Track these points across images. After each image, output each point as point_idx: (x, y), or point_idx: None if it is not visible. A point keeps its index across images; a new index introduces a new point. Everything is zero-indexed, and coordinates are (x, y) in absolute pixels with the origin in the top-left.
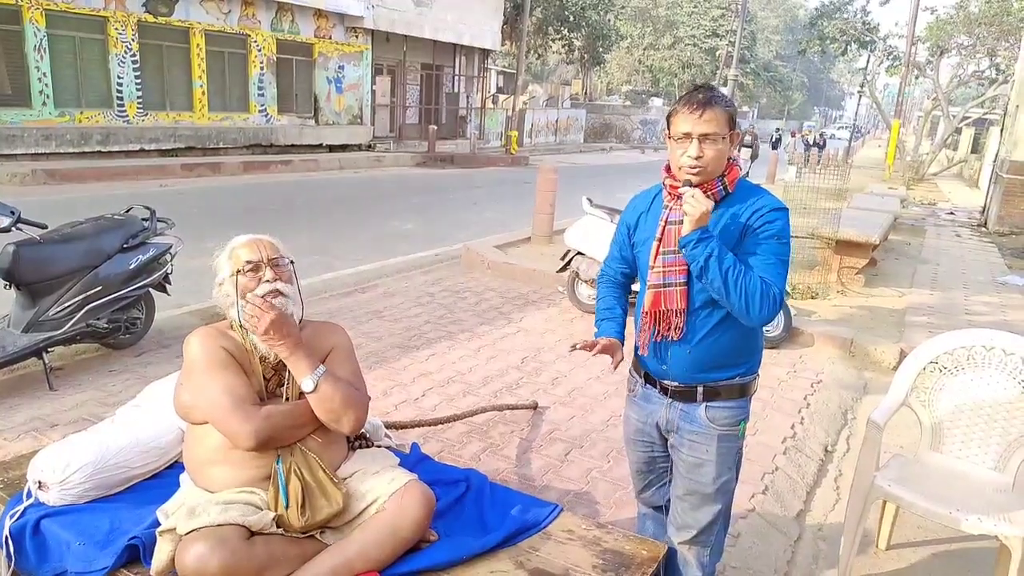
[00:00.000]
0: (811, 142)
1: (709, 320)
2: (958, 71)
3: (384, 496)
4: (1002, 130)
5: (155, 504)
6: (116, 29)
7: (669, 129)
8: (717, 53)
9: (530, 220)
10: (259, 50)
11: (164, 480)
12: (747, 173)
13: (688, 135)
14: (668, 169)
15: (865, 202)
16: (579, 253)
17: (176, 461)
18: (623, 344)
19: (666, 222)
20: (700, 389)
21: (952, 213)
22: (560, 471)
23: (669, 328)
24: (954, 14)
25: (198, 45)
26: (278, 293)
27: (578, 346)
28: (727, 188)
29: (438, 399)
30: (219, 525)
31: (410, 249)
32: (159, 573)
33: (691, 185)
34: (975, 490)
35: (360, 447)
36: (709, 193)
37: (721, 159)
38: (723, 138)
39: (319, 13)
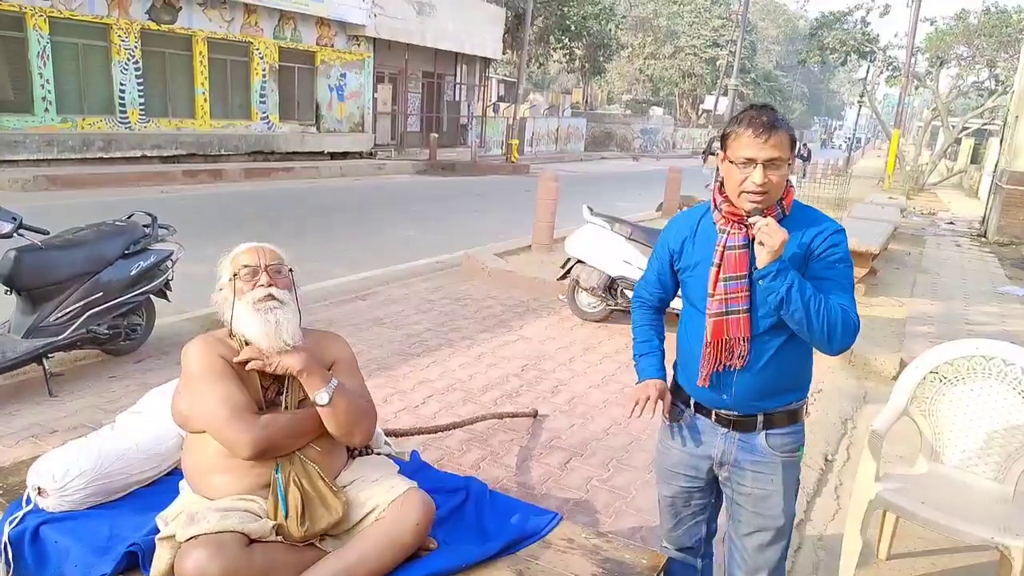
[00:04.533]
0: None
1: (771, 345)
2: (957, 82)
3: (384, 504)
4: (1001, 141)
5: (154, 511)
6: (119, 36)
7: (725, 151)
8: (718, 63)
9: (531, 228)
10: (261, 58)
11: (164, 487)
12: None
13: (752, 160)
14: (722, 191)
15: (865, 212)
16: (579, 261)
17: (176, 468)
18: (665, 378)
19: (724, 247)
20: (760, 417)
21: (952, 223)
22: (560, 480)
23: (732, 357)
24: (953, 25)
25: (201, 52)
26: (271, 297)
27: (635, 414)
28: (784, 211)
29: (438, 406)
30: (218, 532)
31: (411, 256)
32: None
33: (755, 214)
34: (976, 500)
35: (360, 455)
36: (769, 216)
37: (782, 184)
38: (787, 163)
39: (321, 21)
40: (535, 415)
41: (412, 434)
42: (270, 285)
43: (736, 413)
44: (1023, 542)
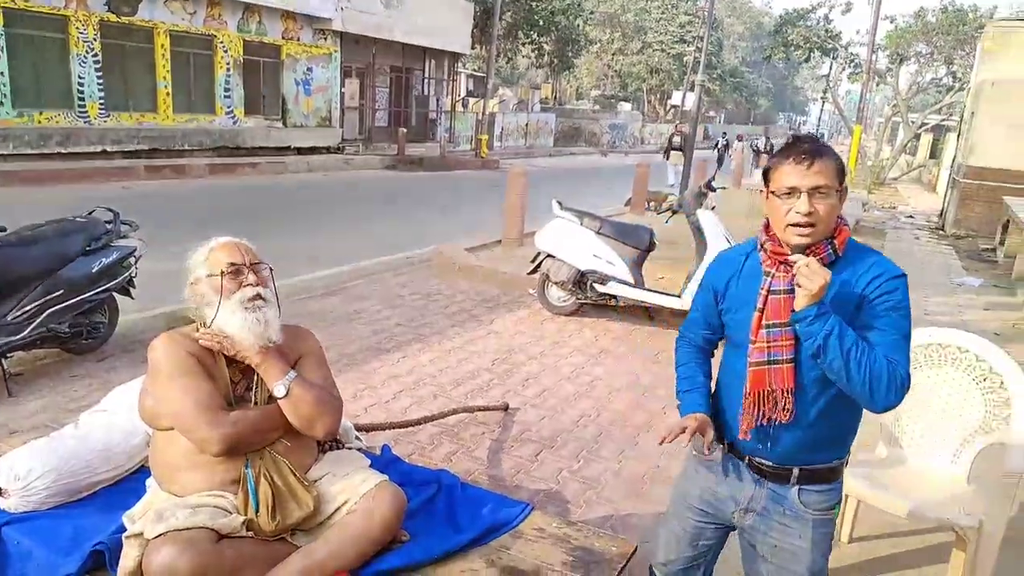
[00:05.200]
0: (761, 148)
1: (821, 399)
2: (917, 78)
3: (355, 497)
4: (958, 136)
5: (121, 510)
6: (77, 28)
7: (768, 185)
8: (685, 59)
9: (501, 223)
10: (225, 51)
11: (130, 486)
12: (714, 177)
13: (795, 189)
14: (767, 228)
15: None
16: (549, 256)
17: (142, 467)
18: (709, 413)
19: (768, 291)
20: (796, 471)
21: (911, 216)
22: (531, 471)
23: (776, 409)
24: (913, 23)
25: (162, 45)
26: (258, 297)
27: (667, 440)
28: (836, 251)
29: (409, 401)
30: (187, 528)
31: (380, 252)
32: None
33: (803, 249)
34: (933, 483)
35: (330, 449)
36: (818, 258)
37: (832, 216)
38: (835, 191)
39: (287, 14)
40: (506, 408)
41: (383, 429)
42: (257, 284)
43: (772, 464)
44: (976, 521)
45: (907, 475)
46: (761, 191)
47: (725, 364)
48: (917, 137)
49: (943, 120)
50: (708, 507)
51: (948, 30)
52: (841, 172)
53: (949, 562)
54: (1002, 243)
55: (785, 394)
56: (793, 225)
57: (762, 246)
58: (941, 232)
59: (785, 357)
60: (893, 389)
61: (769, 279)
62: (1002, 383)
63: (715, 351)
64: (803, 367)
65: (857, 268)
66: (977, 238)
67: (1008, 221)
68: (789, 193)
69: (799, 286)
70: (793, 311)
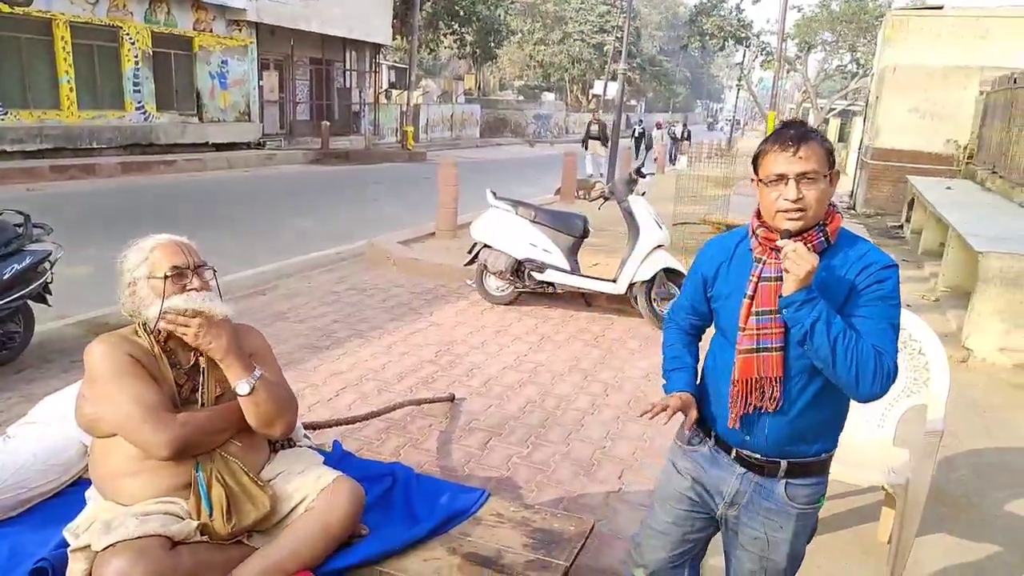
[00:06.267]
0: (679, 135)
1: (809, 388)
2: (824, 65)
3: (312, 494)
4: (864, 120)
5: (60, 524)
6: None
7: (757, 172)
8: (605, 48)
9: (432, 215)
10: (132, 43)
11: (67, 499)
12: (643, 163)
13: (783, 176)
14: (758, 215)
15: (748, 188)
16: (486, 246)
17: (81, 478)
18: (694, 393)
19: (759, 278)
20: (784, 464)
21: None
22: (481, 460)
23: (763, 398)
24: (818, 12)
25: (62, 38)
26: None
27: (648, 414)
28: (828, 239)
29: (352, 397)
30: (139, 537)
31: (310, 248)
32: None
33: (791, 235)
34: (861, 447)
35: (281, 448)
36: (809, 245)
37: (823, 202)
38: (823, 176)
39: (197, 5)
40: (452, 399)
41: (330, 426)
42: (201, 289)
43: (759, 456)
44: (904, 479)
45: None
46: (752, 179)
47: (713, 352)
48: (826, 122)
49: (849, 105)
50: (695, 495)
51: (851, 19)
52: (829, 157)
53: (879, 520)
54: (908, 220)
55: (773, 382)
56: (782, 211)
57: (754, 232)
58: (852, 212)
59: (774, 345)
60: (879, 379)
61: (760, 266)
62: (920, 349)
63: (703, 335)
64: (791, 356)
65: (849, 256)
66: (886, 216)
67: (913, 199)
68: (777, 180)
69: (787, 271)
70: (781, 296)
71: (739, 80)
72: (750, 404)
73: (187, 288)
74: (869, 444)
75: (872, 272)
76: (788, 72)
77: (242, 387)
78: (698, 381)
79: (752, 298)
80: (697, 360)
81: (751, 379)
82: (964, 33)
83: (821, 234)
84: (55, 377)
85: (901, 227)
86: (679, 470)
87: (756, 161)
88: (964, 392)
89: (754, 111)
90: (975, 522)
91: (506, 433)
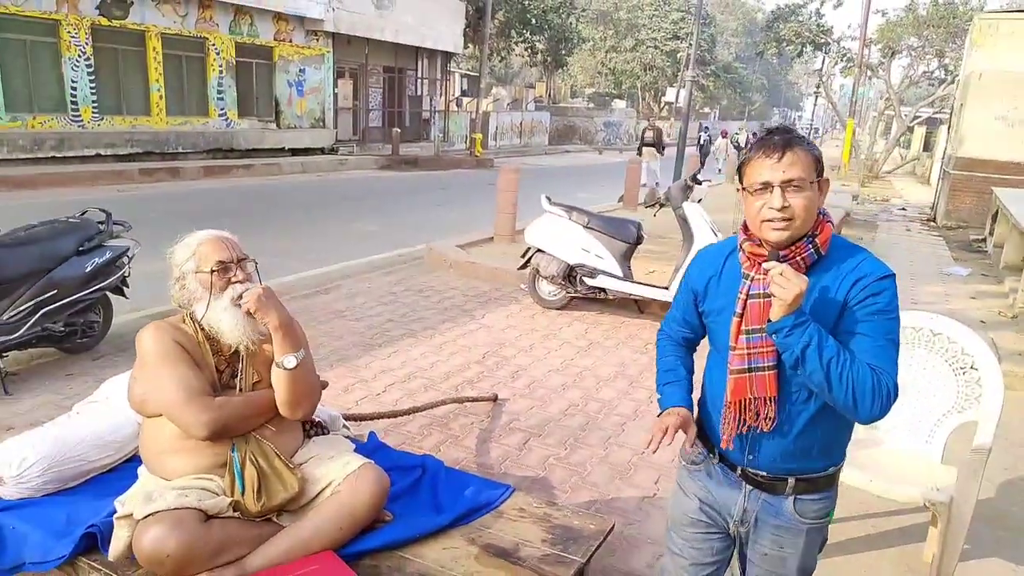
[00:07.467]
0: (742, 144)
1: (806, 408)
2: (909, 72)
3: (339, 479)
4: (949, 128)
5: (113, 496)
6: (69, 32)
7: (742, 181)
8: (678, 55)
9: (493, 221)
10: (217, 53)
11: (122, 473)
12: (699, 170)
13: (768, 184)
14: (745, 228)
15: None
16: (539, 250)
17: (134, 455)
18: (692, 410)
19: (747, 295)
20: (791, 481)
21: (904, 209)
22: (519, 459)
23: (757, 418)
24: (904, 16)
25: (154, 48)
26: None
27: (651, 446)
28: (819, 251)
29: (399, 394)
30: (176, 509)
31: (373, 250)
32: (117, 559)
33: (778, 254)
34: (908, 464)
35: (316, 435)
36: (799, 258)
37: (811, 211)
38: (811, 183)
39: (278, 16)
40: (495, 399)
41: (372, 419)
42: (245, 280)
43: (765, 474)
44: (948, 497)
45: (883, 456)
46: (738, 189)
47: (710, 369)
48: (910, 130)
49: (936, 113)
50: (707, 517)
51: (939, 23)
52: (818, 164)
53: (926, 540)
54: (991, 233)
55: (767, 403)
56: (767, 221)
57: (741, 247)
58: (932, 223)
59: (767, 364)
60: (878, 401)
61: (748, 282)
62: (973, 364)
63: (696, 347)
64: (787, 374)
65: (842, 269)
66: (967, 229)
67: (997, 212)
68: (762, 189)
69: (774, 296)
70: (769, 321)
71: (817, 87)
72: (745, 425)
73: (232, 281)
74: (914, 459)
75: (867, 285)
76: (870, 79)
77: (289, 360)
78: (697, 395)
79: (742, 316)
80: (692, 372)
81: (744, 399)
82: None
83: (810, 246)
84: (128, 364)
85: (984, 240)
86: (686, 493)
87: (740, 170)
88: None
89: (834, 119)
90: None
91: (545, 434)
